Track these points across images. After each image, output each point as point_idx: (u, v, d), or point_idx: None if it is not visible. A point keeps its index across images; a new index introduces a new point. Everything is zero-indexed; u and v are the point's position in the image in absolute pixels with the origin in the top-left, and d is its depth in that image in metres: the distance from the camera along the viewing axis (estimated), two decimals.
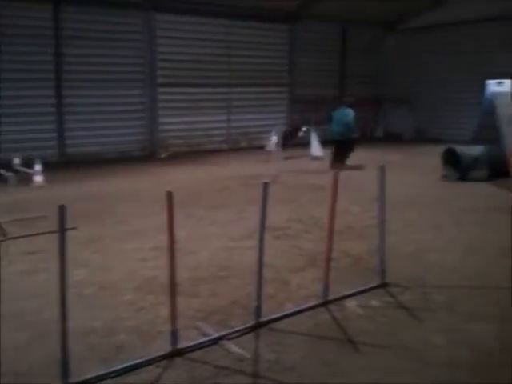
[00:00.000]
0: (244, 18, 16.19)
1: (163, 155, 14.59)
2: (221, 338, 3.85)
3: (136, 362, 3.52)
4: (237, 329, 3.99)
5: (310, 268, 5.42)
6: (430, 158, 12.27)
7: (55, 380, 3.23)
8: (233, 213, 7.91)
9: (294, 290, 4.89)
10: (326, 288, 4.50)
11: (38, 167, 10.33)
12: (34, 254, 5.87)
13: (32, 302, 4.53)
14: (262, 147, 14.32)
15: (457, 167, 10.73)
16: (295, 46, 17.74)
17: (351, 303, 4.54)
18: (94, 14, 13.40)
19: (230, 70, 16.31)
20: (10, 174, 10.24)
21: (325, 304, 4.47)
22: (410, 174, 11.41)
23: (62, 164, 12.64)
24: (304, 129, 14.33)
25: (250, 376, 3.42)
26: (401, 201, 8.36)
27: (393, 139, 18.28)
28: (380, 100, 19.77)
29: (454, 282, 5.06)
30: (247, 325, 4.04)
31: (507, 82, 17.75)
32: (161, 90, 14.98)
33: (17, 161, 10.83)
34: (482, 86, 18.12)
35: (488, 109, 11.45)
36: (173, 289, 3.61)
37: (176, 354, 3.63)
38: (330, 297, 4.52)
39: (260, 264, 3.99)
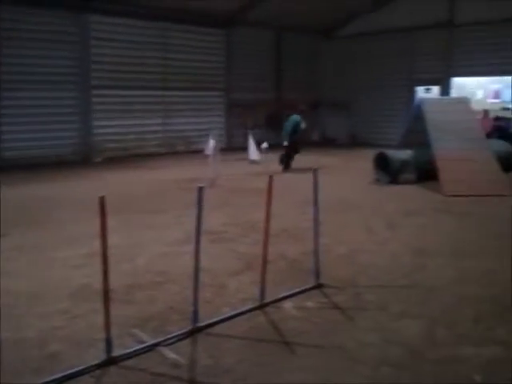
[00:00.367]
0: (180, 22, 16.13)
1: (98, 159, 14.29)
2: (157, 345, 3.82)
3: (69, 372, 3.43)
4: (173, 335, 3.97)
5: (247, 271, 5.47)
6: (363, 161, 12.66)
7: None
8: (170, 217, 7.85)
9: (231, 293, 4.91)
10: (263, 291, 4.56)
11: None
12: None
13: None
14: (200, 151, 14.28)
15: (387, 171, 11.13)
16: (232, 50, 17.85)
17: (287, 305, 4.61)
18: (26, 14, 12.97)
19: (167, 74, 16.20)
20: None
21: (261, 307, 4.52)
22: (344, 178, 11.75)
23: None
24: (264, 145, 14.29)
25: (186, 382, 3.42)
26: (335, 203, 8.61)
27: (328, 143, 18.72)
28: (316, 105, 20.19)
29: (386, 282, 5.24)
30: (184, 330, 4.03)
31: (435, 88, 18.67)
32: (95, 92, 14.68)
33: None
34: (412, 93, 18.96)
35: (416, 114, 11.92)
36: (106, 295, 3.55)
37: (111, 362, 3.56)
38: (267, 299, 4.58)
39: (196, 269, 3.99)
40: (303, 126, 13.02)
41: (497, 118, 16.12)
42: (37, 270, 5.49)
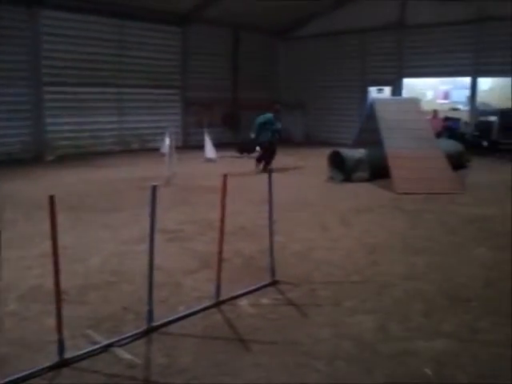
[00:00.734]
0: (135, 19, 15.92)
1: (50, 157, 13.95)
2: (111, 345, 3.78)
3: (20, 375, 3.35)
4: (128, 335, 3.93)
5: (203, 270, 5.46)
6: (318, 160, 12.83)
7: None
8: (124, 216, 7.75)
9: (186, 292, 4.90)
10: (218, 289, 4.57)
11: None
12: None
13: None
14: (155, 149, 14.15)
15: (341, 169, 11.31)
16: (188, 48, 17.76)
17: (243, 302, 4.64)
18: None
19: (122, 71, 15.96)
20: None
21: (217, 305, 4.53)
22: (299, 176, 11.87)
23: None
24: (258, 149, 13.92)
25: (141, 382, 3.39)
26: (290, 202, 8.70)
27: (283, 142, 18.81)
28: (272, 104, 20.26)
29: (340, 278, 5.33)
30: (139, 330, 4.00)
31: (386, 88, 19.11)
32: (47, 89, 14.31)
33: None
34: (365, 93, 19.34)
35: (369, 113, 12.17)
36: (58, 296, 3.49)
37: (63, 364, 3.50)
38: (223, 297, 4.59)
39: (151, 268, 3.96)
40: (279, 125, 12.77)
41: (446, 118, 16.65)
42: None
